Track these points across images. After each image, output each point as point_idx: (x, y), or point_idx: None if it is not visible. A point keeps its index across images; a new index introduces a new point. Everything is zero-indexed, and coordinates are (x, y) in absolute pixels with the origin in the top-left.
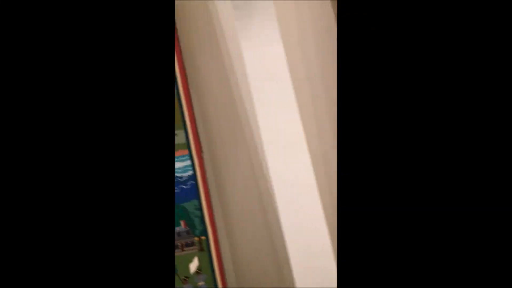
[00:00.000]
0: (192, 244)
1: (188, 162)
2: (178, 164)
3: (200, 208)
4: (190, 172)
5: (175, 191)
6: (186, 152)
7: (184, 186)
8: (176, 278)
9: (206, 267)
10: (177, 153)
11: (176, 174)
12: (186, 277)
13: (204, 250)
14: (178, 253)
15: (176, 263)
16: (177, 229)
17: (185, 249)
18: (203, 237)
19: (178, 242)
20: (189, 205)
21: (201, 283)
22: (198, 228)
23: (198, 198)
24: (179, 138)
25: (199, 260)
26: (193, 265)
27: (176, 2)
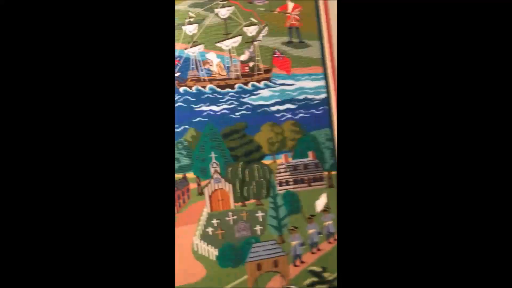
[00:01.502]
0: (321, 179)
1: (322, 83)
2: (309, 83)
3: (332, 139)
4: (324, 95)
5: (306, 115)
6: (320, 69)
7: (315, 111)
8: (300, 216)
9: (336, 205)
10: (309, 70)
11: (306, 96)
12: (312, 215)
13: (334, 186)
14: (304, 188)
15: (301, 199)
16: (304, 160)
17: (312, 184)
18: (333, 172)
19: (305, 176)
20: (319, 134)
21: (328, 223)
22: (328, 162)
23: (331, 127)
24: (313, 50)
25: (328, 198)
26: (320, 203)
27: None
